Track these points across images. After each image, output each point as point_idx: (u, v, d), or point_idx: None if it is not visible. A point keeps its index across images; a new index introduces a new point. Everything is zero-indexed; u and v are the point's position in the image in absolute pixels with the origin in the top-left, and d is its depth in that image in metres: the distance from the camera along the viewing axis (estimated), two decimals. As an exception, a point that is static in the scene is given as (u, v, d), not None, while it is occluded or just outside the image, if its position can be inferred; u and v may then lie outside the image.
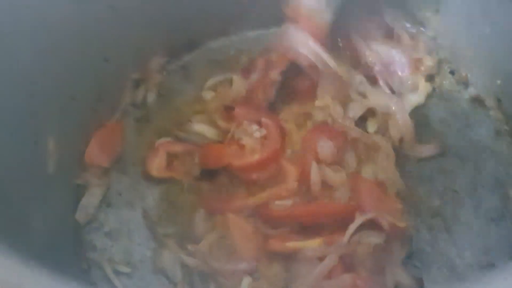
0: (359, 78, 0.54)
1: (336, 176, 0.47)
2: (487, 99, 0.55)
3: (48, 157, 0.47)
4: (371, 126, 0.53)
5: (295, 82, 0.55)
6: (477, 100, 0.56)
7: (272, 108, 0.55)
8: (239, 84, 0.57)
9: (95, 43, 0.53)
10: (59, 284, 0.29)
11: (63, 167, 0.49)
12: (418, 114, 0.55)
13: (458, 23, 0.55)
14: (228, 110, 0.57)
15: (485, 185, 0.51)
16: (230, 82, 0.58)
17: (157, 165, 0.54)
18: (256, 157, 0.51)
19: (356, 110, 0.52)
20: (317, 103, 0.52)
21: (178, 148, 0.55)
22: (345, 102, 0.52)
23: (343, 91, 0.52)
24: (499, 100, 0.54)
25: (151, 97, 0.60)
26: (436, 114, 0.56)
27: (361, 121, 0.53)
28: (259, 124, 0.54)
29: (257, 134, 0.52)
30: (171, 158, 0.55)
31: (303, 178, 0.48)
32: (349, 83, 0.53)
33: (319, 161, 0.48)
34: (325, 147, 0.48)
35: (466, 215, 0.49)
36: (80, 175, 0.52)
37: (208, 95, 0.59)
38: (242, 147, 0.52)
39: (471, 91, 0.57)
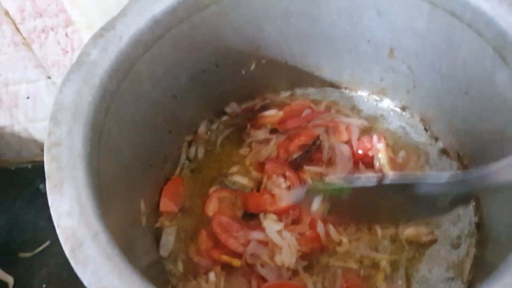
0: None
1: (336, 236, 0.67)
2: (451, 152, 0.76)
3: (141, 215, 0.68)
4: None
5: (316, 152, 0.75)
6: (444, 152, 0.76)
7: (295, 164, 0.74)
8: (273, 146, 0.76)
9: (163, 123, 0.73)
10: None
11: (148, 217, 0.70)
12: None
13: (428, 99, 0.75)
14: (260, 164, 0.77)
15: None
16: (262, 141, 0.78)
17: (212, 208, 0.74)
18: (284, 204, 0.70)
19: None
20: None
21: (225, 194, 0.75)
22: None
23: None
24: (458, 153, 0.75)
25: (201, 153, 0.80)
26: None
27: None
28: (284, 177, 0.74)
29: (284, 185, 0.72)
30: (221, 202, 0.75)
31: (312, 225, 0.68)
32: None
33: (325, 220, 0.67)
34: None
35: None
36: (157, 220, 0.73)
37: (244, 151, 0.79)
38: (273, 196, 0.72)
39: (440, 144, 0.77)
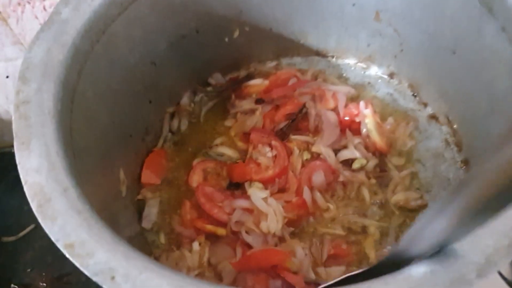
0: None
1: (323, 203, 0.65)
2: (440, 117, 0.73)
3: (121, 185, 0.65)
4: (356, 164, 0.68)
5: (302, 120, 0.73)
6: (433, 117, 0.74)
7: (281, 134, 0.72)
8: (259, 116, 0.74)
9: (142, 91, 0.70)
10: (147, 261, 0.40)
11: (129, 189, 0.67)
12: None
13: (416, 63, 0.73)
14: (245, 135, 0.75)
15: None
16: (247, 111, 0.76)
17: (196, 179, 0.72)
18: (270, 172, 0.68)
19: (346, 155, 0.69)
20: (314, 148, 0.69)
21: (210, 165, 0.72)
22: (337, 149, 0.69)
23: (338, 142, 0.70)
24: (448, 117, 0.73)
25: (184, 125, 0.78)
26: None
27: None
28: (270, 146, 0.71)
29: (269, 155, 0.70)
30: (205, 173, 0.73)
31: (299, 193, 0.66)
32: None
33: (311, 187, 0.66)
34: (318, 178, 0.66)
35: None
36: (139, 192, 0.71)
37: (229, 122, 0.77)
38: (258, 165, 0.69)
39: (428, 110, 0.75)
